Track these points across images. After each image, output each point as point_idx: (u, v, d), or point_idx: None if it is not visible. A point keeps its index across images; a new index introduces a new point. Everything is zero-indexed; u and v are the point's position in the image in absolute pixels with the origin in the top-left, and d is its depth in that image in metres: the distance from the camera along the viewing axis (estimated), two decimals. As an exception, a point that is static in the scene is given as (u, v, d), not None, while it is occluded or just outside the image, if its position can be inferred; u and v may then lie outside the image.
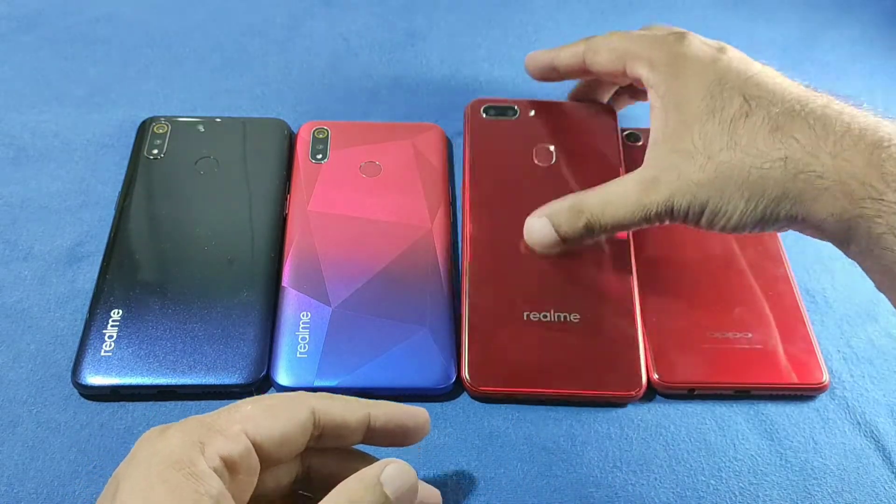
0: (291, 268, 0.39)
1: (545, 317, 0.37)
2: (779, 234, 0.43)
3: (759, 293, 0.40)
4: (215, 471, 0.22)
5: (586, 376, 0.36)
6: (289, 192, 0.42)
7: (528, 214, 0.39)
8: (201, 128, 0.45)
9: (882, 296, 0.43)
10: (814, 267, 0.44)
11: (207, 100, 0.50)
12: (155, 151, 0.44)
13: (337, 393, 0.30)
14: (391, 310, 0.38)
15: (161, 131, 0.45)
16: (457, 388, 0.37)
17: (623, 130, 0.48)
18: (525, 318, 0.37)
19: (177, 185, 0.42)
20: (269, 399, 0.27)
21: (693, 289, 0.40)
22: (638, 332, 0.37)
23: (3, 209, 0.43)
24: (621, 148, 0.43)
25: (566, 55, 0.41)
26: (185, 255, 0.39)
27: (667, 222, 0.35)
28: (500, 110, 0.44)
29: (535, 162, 0.42)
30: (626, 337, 0.37)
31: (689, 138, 0.33)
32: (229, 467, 0.23)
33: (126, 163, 0.44)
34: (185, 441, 0.22)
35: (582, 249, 0.39)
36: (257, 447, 0.24)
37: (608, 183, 0.36)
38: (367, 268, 0.39)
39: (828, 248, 0.45)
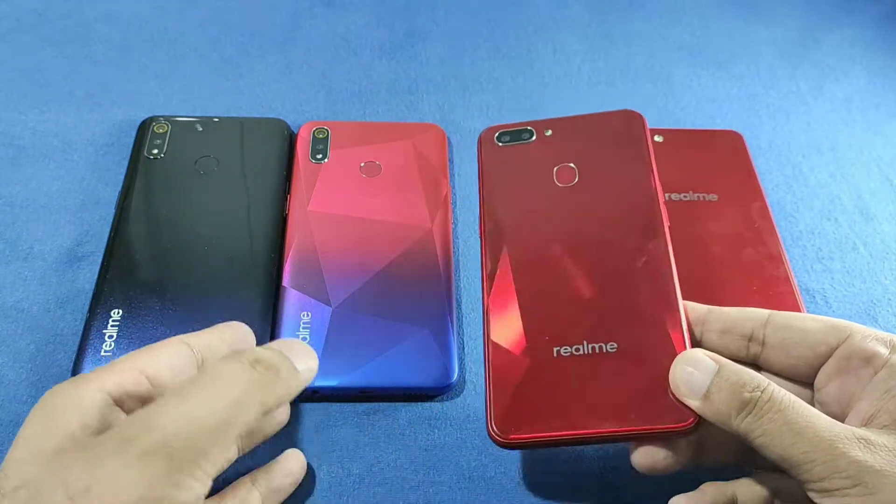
0: (292, 268, 0.39)
1: (578, 350, 0.32)
2: (779, 235, 0.43)
3: (756, 291, 0.40)
4: (102, 404, 0.23)
5: (629, 412, 0.30)
6: (289, 192, 0.42)
7: (553, 241, 0.35)
8: (201, 128, 0.45)
9: (882, 296, 0.43)
10: (814, 267, 0.44)
11: (207, 100, 0.50)
12: (155, 151, 0.44)
13: (339, 393, 0.30)
14: (391, 310, 0.38)
15: (161, 131, 0.45)
16: (458, 386, 0.37)
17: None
18: (556, 354, 0.32)
19: (177, 185, 0.42)
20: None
21: (696, 288, 0.40)
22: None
23: (3, 209, 0.43)
24: (652, 155, 0.38)
25: None
26: (185, 254, 0.39)
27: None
28: (515, 135, 0.41)
29: (557, 183, 0.38)
30: (671, 360, 0.31)
31: None
32: (118, 400, 0.24)
33: (126, 163, 0.44)
34: (72, 381, 0.24)
35: (614, 269, 0.34)
36: (153, 377, 0.25)
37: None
38: (368, 267, 0.39)
39: (828, 248, 0.45)
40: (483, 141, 0.41)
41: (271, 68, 0.52)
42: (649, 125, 0.45)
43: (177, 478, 0.20)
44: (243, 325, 0.31)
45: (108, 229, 0.41)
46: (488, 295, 0.35)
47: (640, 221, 0.35)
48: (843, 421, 0.28)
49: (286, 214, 0.41)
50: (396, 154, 0.44)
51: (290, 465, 0.32)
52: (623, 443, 0.31)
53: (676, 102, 0.52)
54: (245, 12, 0.56)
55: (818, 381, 0.30)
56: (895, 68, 0.56)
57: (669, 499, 0.30)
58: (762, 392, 0.27)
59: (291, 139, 0.46)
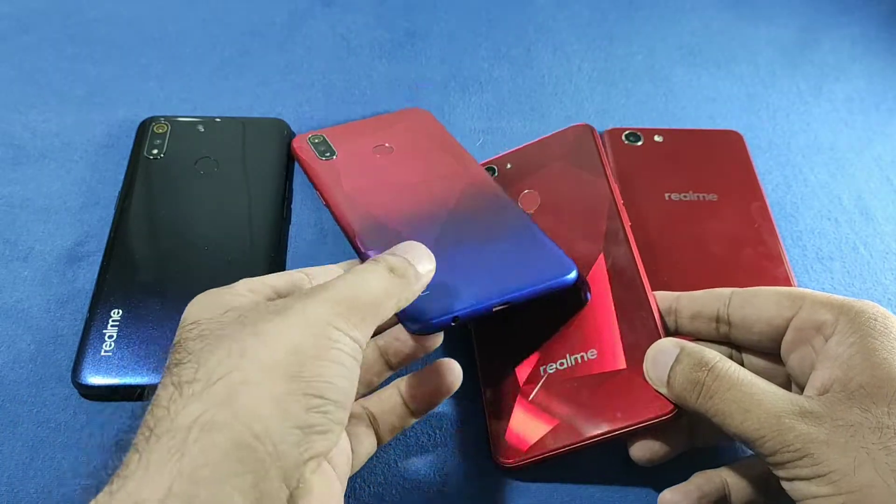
0: (366, 239, 0.36)
1: (562, 364, 0.34)
2: (779, 235, 0.43)
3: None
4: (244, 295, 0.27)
5: (616, 412, 0.32)
6: (318, 190, 0.40)
7: None
8: (201, 128, 0.45)
9: (882, 296, 0.43)
10: (814, 267, 0.44)
11: (207, 100, 0.50)
12: (155, 151, 0.44)
13: (477, 316, 0.32)
14: (480, 237, 0.36)
15: (161, 131, 0.45)
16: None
17: (623, 130, 0.48)
18: (543, 373, 0.34)
19: (177, 185, 0.42)
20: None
21: (696, 289, 0.40)
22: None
23: (3, 209, 0.43)
24: (605, 162, 0.40)
25: None
26: (184, 255, 0.39)
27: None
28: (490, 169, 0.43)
29: (521, 206, 0.40)
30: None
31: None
32: (255, 293, 0.28)
33: (126, 163, 0.44)
34: (214, 291, 0.28)
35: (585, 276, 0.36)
36: (274, 287, 0.29)
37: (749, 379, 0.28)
38: (432, 215, 0.38)
39: (828, 248, 0.45)
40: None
41: (271, 68, 0.52)
42: (649, 125, 0.45)
43: (348, 320, 0.24)
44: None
45: (108, 229, 0.41)
46: (475, 340, 0.37)
47: (602, 230, 0.37)
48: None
49: (326, 205, 0.39)
50: (399, 135, 0.44)
51: (441, 370, 0.32)
52: (620, 440, 0.32)
53: (676, 102, 0.52)
54: (245, 12, 0.56)
55: (783, 354, 0.30)
56: (895, 68, 0.56)
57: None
58: (709, 371, 0.28)
59: (291, 139, 0.46)
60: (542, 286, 0.33)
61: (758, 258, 0.42)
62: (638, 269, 0.35)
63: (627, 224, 0.37)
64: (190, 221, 0.41)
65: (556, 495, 0.34)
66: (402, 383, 0.32)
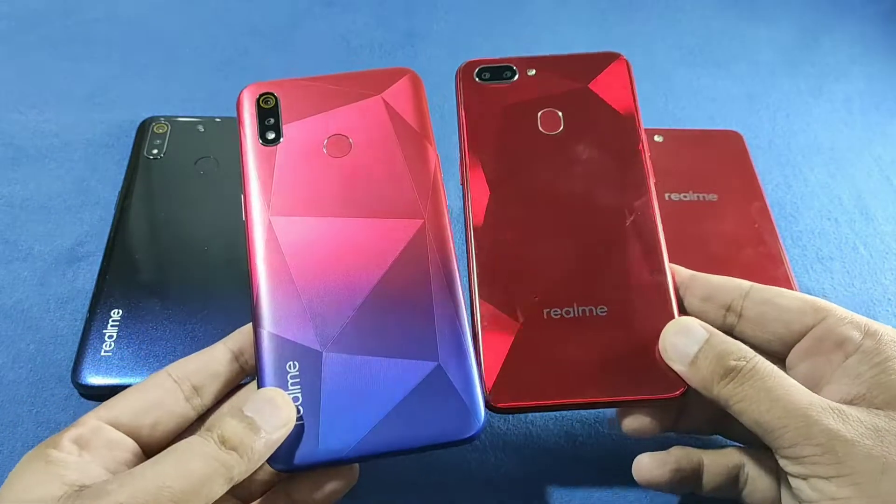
0: (265, 302, 0.30)
1: (568, 313, 0.32)
2: (779, 235, 0.43)
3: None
4: (69, 452, 0.26)
5: (621, 379, 0.31)
6: (241, 192, 0.33)
7: (539, 196, 0.34)
8: (201, 128, 0.45)
9: (882, 296, 0.43)
10: (814, 267, 0.44)
11: (207, 100, 0.50)
12: (155, 151, 0.44)
13: (350, 463, 0.28)
14: (393, 343, 0.30)
15: (161, 131, 0.45)
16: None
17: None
18: (545, 316, 0.32)
19: (177, 185, 0.42)
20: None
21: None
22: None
23: (3, 209, 0.43)
24: (637, 102, 0.36)
25: None
26: (184, 255, 0.39)
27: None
28: (496, 72, 0.37)
29: (542, 130, 0.36)
30: (661, 328, 0.31)
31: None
32: (81, 445, 0.26)
33: (126, 163, 0.44)
34: (42, 444, 0.26)
35: (603, 228, 0.33)
36: (115, 422, 0.27)
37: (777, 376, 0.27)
38: (356, 289, 0.31)
39: (828, 248, 0.45)
40: (462, 79, 0.38)
41: (271, 68, 0.52)
42: (649, 125, 0.44)
43: None
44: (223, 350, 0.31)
45: (108, 229, 0.41)
46: (473, 250, 0.33)
47: (626, 178, 0.34)
48: None
49: (243, 220, 0.32)
50: (366, 119, 0.34)
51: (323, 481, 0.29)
52: (611, 407, 0.32)
53: (676, 102, 0.52)
54: (245, 12, 0.56)
55: (790, 360, 0.30)
56: (895, 68, 0.56)
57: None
58: (747, 361, 0.28)
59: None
60: (436, 440, 0.28)
61: (758, 258, 0.42)
62: (659, 233, 0.33)
63: (653, 180, 0.34)
64: (190, 221, 0.41)
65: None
66: (291, 488, 0.29)
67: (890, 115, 0.53)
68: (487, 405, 0.30)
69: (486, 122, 0.36)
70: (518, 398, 0.30)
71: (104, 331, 0.36)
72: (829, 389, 0.28)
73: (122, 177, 0.43)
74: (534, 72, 0.37)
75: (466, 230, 0.34)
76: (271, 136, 0.33)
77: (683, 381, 0.30)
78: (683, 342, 0.29)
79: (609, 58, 0.37)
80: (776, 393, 0.26)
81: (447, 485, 0.34)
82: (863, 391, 0.27)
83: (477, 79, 0.37)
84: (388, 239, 0.32)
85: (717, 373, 0.28)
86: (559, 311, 0.32)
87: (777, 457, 0.27)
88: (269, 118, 0.34)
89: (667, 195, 0.44)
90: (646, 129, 0.48)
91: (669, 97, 0.53)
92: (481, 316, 0.32)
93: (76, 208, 0.43)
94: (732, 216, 0.43)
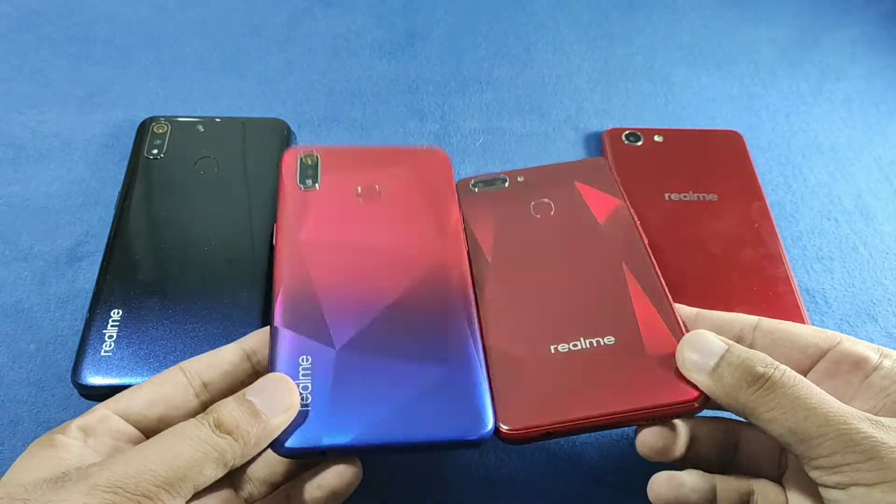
0: (284, 304, 0.33)
1: (575, 346, 0.33)
2: (779, 235, 0.43)
3: (756, 291, 0.40)
4: (74, 438, 0.26)
5: (635, 392, 0.31)
6: (275, 222, 0.37)
7: (537, 267, 0.36)
8: (201, 128, 0.45)
9: (882, 296, 0.43)
10: (814, 267, 0.44)
11: (207, 100, 0.50)
12: (155, 151, 0.44)
13: (353, 453, 0.29)
14: (407, 348, 0.31)
15: (161, 131, 0.45)
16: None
17: (622, 130, 0.48)
18: (553, 351, 0.33)
19: (177, 185, 0.42)
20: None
21: (696, 288, 0.40)
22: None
23: (3, 209, 0.43)
24: (617, 184, 0.40)
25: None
26: (185, 255, 0.39)
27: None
28: (488, 182, 0.41)
29: (535, 215, 0.39)
30: (671, 346, 0.32)
31: None
32: (87, 432, 0.27)
33: (126, 163, 0.44)
34: (53, 430, 0.27)
35: (592, 266, 0.36)
36: (124, 413, 0.28)
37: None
38: (374, 302, 0.33)
39: (828, 248, 0.45)
40: (460, 189, 0.41)
41: (271, 68, 0.52)
42: (649, 125, 0.45)
43: None
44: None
45: (108, 229, 0.41)
46: (479, 300, 0.35)
47: (619, 244, 0.36)
48: None
49: (273, 244, 0.36)
50: (397, 178, 0.39)
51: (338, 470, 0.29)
52: (627, 426, 0.31)
53: (676, 102, 0.52)
54: (245, 12, 0.56)
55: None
56: (895, 68, 0.56)
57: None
58: (775, 369, 0.27)
59: (291, 139, 0.46)
60: (442, 438, 0.29)
61: (758, 258, 0.42)
62: (658, 279, 0.34)
63: (646, 240, 0.36)
64: (190, 221, 0.41)
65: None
66: (293, 489, 0.29)
67: (890, 115, 0.53)
68: (499, 436, 0.30)
69: (485, 219, 0.39)
70: (530, 420, 0.30)
71: (104, 331, 0.36)
72: (853, 406, 0.28)
73: (122, 177, 0.43)
74: (522, 178, 0.41)
75: (472, 287, 0.35)
76: (309, 182, 0.38)
77: (699, 389, 0.30)
78: (702, 352, 0.29)
79: (595, 163, 0.41)
80: (812, 401, 0.26)
81: (447, 485, 0.34)
82: (889, 403, 0.27)
83: (474, 189, 0.40)
84: (409, 266, 0.35)
85: (744, 380, 0.28)
86: (567, 346, 0.33)
87: (808, 468, 0.26)
88: (310, 170, 0.38)
89: (667, 195, 0.44)
90: (646, 129, 0.49)
91: (669, 97, 0.53)
92: (490, 355, 0.33)
93: (76, 208, 0.43)
94: (732, 216, 0.43)
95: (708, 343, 0.29)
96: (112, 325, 0.37)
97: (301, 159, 0.39)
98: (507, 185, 0.41)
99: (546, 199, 0.39)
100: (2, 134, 0.47)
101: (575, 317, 0.34)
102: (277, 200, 0.37)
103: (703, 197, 0.44)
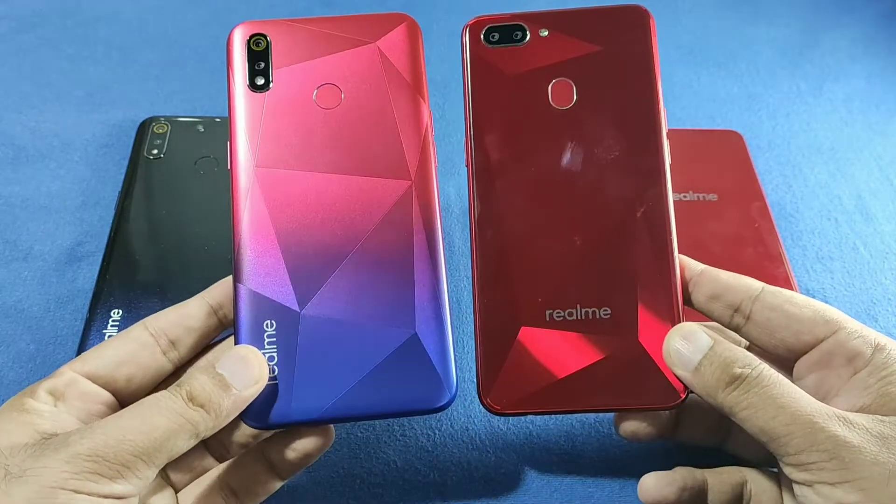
0: (245, 256, 0.30)
1: (571, 315, 0.31)
2: (779, 234, 0.43)
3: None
4: (44, 402, 0.26)
5: (621, 386, 0.30)
6: (228, 139, 0.32)
7: (547, 178, 0.32)
8: (201, 128, 0.45)
9: (882, 296, 0.43)
10: (814, 267, 0.44)
11: (207, 100, 0.50)
12: (155, 151, 0.44)
13: (322, 423, 0.29)
14: (371, 308, 0.30)
15: (161, 131, 0.45)
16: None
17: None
18: (548, 318, 0.31)
19: (177, 185, 0.42)
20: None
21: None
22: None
23: (3, 209, 0.43)
24: (658, 74, 0.34)
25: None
26: (185, 255, 0.39)
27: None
28: (506, 33, 0.34)
29: (552, 104, 0.33)
30: (664, 333, 0.31)
31: None
32: (56, 396, 0.27)
33: (126, 163, 0.44)
34: (20, 393, 0.27)
35: (611, 220, 0.32)
36: (91, 375, 0.28)
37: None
38: (338, 249, 0.30)
39: (828, 248, 0.45)
40: (470, 39, 0.35)
41: (271, 68, 0.52)
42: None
43: (98, 477, 0.23)
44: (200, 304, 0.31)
45: (108, 229, 0.41)
46: (476, 242, 0.32)
47: (640, 163, 0.32)
48: None
49: (228, 170, 0.31)
50: (359, 68, 0.33)
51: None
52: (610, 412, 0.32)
53: (676, 102, 0.52)
54: (245, 12, 0.56)
55: (798, 370, 0.30)
56: (895, 68, 0.56)
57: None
58: (752, 370, 0.28)
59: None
60: (407, 407, 0.29)
61: (758, 258, 0.42)
62: (670, 227, 0.31)
63: (668, 164, 0.32)
64: (190, 221, 0.41)
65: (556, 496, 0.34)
66: (267, 447, 0.30)
67: (890, 115, 0.53)
68: (487, 408, 0.31)
69: (493, 97, 0.33)
70: (518, 405, 0.30)
71: (104, 331, 0.36)
72: (836, 401, 0.28)
73: (122, 177, 0.43)
74: (546, 32, 0.34)
75: (471, 221, 0.32)
76: (261, 81, 0.32)
77: (684, 388, 0.30)
78: (687, 349, 0.29)
79: (630, 11, 0.34)
80: (782, 400, 0.26)
81: (447, 485, 0.34)
82: (869, 401, 0.27)
83: (485, 42, 0.34)
84: (373, 199, 0.31)
85: (722, 380, 0.28)
86: (562, 314, 0.31)
87: (781, 464, 0.27)
88: (260, 62, 0.32)
89: (667, 195, 0.44)
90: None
91: (669, 97, 0.53)
92: (483, 314, 0.31)
93: (76, 208, 0.43)
94: (732, 216, 0.43)
95: (694, 338, 0.29)
96: (112, 325, 0.37)
97: (250, 43, 0.33)
98: (526, 38, 0.34)
99: (567, 80, 0.33)
100: (2, 134, 0.47)
101: (576, 278, 0.31)
102: (228, 103, 0.32)
103: (704, 197, 0.44)
